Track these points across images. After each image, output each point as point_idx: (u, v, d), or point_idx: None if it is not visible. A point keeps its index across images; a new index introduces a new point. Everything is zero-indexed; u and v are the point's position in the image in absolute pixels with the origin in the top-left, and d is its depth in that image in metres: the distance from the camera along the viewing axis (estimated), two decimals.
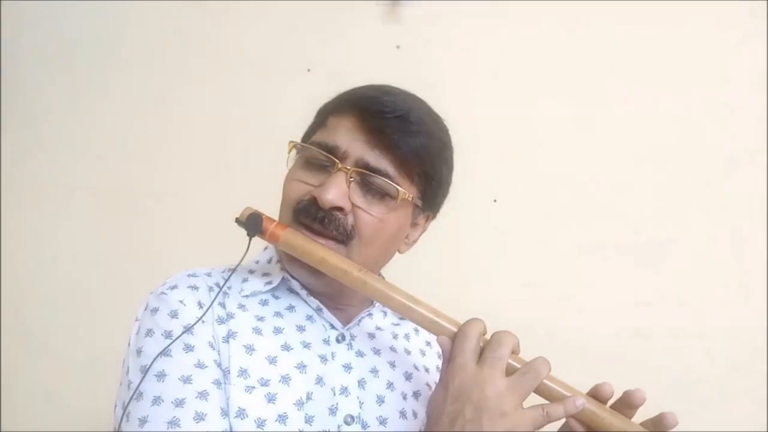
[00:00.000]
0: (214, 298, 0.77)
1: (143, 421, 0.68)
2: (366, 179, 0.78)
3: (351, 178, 0.77)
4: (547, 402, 0.70)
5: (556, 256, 1.47)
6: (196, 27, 1.61)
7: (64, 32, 1.64)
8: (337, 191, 0.76)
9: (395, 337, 0.89)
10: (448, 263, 1.48)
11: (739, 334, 1.41)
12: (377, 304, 0.88)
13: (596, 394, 0.73)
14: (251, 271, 0.86)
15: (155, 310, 0.76)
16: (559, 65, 1.52)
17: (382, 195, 0.79)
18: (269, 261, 0.88)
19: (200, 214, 1.52)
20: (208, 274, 0.82)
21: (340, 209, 0.77)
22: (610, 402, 0.74)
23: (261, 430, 0.69)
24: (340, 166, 0.77)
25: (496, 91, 1.53)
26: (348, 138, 0.78)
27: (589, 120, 1.50)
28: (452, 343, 0.70)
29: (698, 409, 1.37)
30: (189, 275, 0.81)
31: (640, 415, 0.73)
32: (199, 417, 0.67)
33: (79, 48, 1.63)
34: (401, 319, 0.90)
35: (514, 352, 0.70)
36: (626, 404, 0.73)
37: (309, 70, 1.57)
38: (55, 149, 1.61)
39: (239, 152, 1.56)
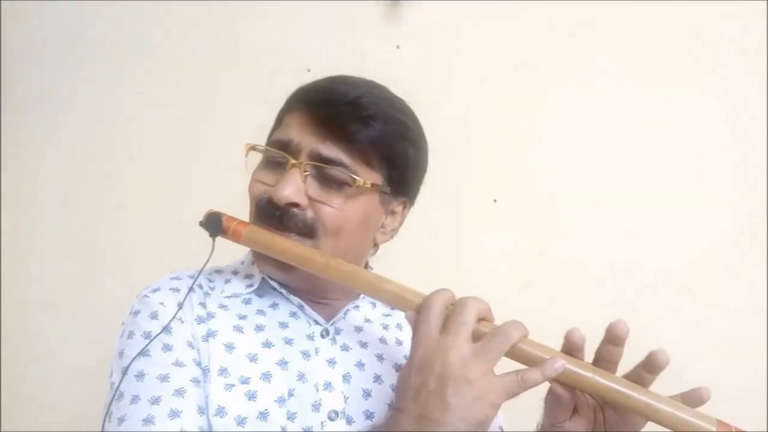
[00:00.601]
0: (185, 296, 0.77)
1: (121, 420, 0.68)
2: (321, 171, 0.77)
3: (306, 172, 0.77)
4: (526, 368, 0.64)
5: (555, 257, 1.45)
6: (197, 27, 1.62)
7: (64, 30, 1.65)
8: (291, 187, 0.75)
9: (386, 327, 0.87)
10: (448, 263, 1.47)
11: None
12: (364, 296, 0.87)
13: (569, 344, 0.68)
14: (235, 272, 0.86)
15: (137, 313, 0.77)
16: (560, 64, 1.50)
17: (340, 185, 0.77)
18: (253, 262, 0.87)
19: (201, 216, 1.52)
20: (192, 277, 0.82)
21: (296, 205, 0.76)
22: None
23: (242, 427, 0.69)
24: (293, 161, 0.77)
25: (496, 90, 1.51)
26: (300, 132, 0.78)
27: (590, 119, 1.48)
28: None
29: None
30: (172, 278, 0.82)
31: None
32: (174, 414, 0.67)
33: (78, 47, 1.64)
34: (393, 309, 0.88)
35: (484, 318, 0.66)
36: (611, 341, 0.68)
37: (309, 70, 1.56)
38: (55, 147, 1.62)
39: (239, 153, 1.56)
